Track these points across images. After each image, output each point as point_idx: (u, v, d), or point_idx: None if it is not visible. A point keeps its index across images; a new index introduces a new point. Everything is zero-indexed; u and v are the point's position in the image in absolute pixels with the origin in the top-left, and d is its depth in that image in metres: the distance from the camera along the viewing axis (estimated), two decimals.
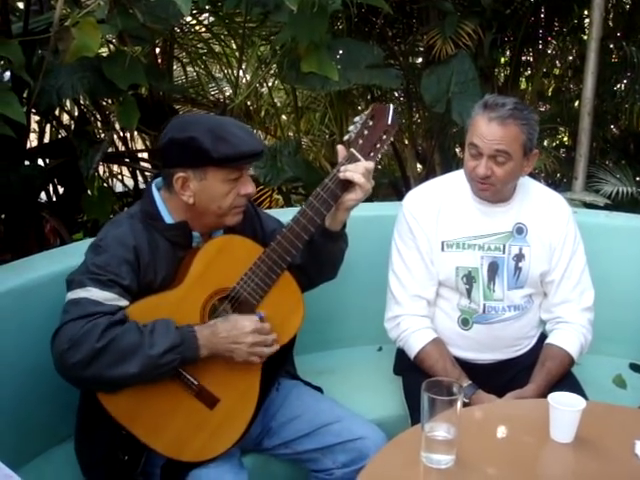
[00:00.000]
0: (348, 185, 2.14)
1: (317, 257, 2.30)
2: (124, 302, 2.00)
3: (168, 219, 2.16)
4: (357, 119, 2.20)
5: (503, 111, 2.32)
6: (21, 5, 3.77)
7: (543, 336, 2.63)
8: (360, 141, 2.17)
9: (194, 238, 2.18)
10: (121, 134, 4.68)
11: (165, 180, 2.15)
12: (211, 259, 2.13)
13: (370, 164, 2.15)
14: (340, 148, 2.20)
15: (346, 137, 2.19)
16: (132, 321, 1.97)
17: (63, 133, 4.47)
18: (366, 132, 2.17)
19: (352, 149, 2.16)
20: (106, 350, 1.89)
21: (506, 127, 2.32)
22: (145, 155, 5.05)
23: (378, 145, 2.18)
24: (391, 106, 2.20)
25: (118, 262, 2.03)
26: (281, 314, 2.19)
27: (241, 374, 2.13)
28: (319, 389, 2.51)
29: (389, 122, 2.18)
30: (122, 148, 4.82)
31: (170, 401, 2.06)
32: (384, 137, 2.19)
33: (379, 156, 2.21)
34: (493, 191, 2.42)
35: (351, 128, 2.19)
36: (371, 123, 2.17)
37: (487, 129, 2.33)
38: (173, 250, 2.15)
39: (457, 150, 5.81)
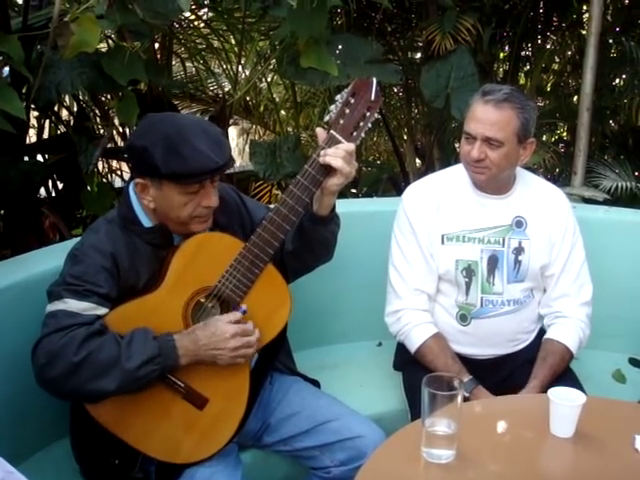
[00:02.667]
0: (330, 169, 2.05)
1: (309, 242, 2.24)
2: (103, 310, 1.99)
3: (146, 222, 2.12)
4: (338, 97, 2.09)
5: (499, 95, 2.34)
6: (20, 0, 3.76)
7: (542, 331, 2.63)
8: (341, 121, 2.06)
9: (174, 238, 2.15)
10: (120, 130, 4.67)
11: None
12: (190, 259, 2.08)
13: (351, 146, 2.05)
14: (319, 131, 2.10)
15: (326, 117, 2.10)
16: (110, 333, 1.95)
17: (62, 129, 4.46)
18: (347, 111, 2.06)
19: (332, 131, 2.06)
20: (84, 364, 1.88)
21: (501, 110, 2.33)
22: None
23: (361, 124, 2.08)
24: (374, 80, 2.09)
25: (95, 271, 2.01)
26: (267, 308, 2.14)
27: (229, 372, 2.10)
28: (316, 382, 2.51)
29: (372, 97, 2.08)
30: (121, 144, 4.81)
31: (158, 405, 2.05)
32: (367, 114, 2.08)
33: (363, 135, 2.11)
34: (488, 176, 2.42)
35: (332, 108, 2.09)
36: (353, 101, 2.07)
37: (482, 111, 2.35)
38: (154, 252, 2.11)
39: (456, 145, 5.80)
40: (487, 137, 2.34)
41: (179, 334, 2.00)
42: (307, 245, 2.25)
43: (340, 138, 2.06)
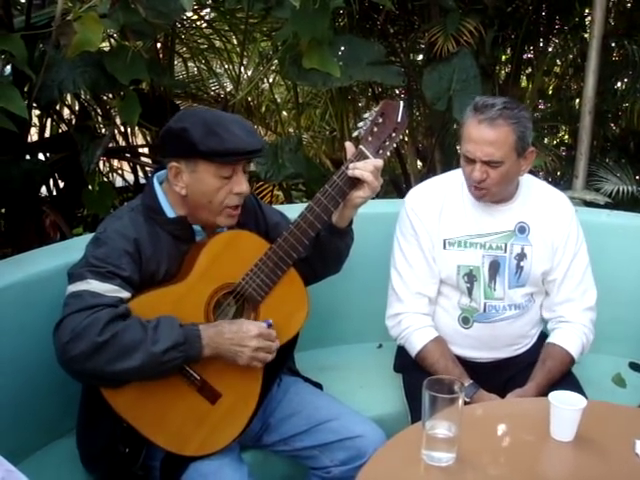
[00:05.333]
0: (356, 182, 2.13)
1: (323, 252, 2.30)
2: (125, 294, 2.00)
3: (170, 213, 2.15)
4: (367, 115, 2.18)
5: (492, 112, 2.30)
6: None
7: (543, 335, 2.63)
8: (369, 138, 2.15)
9: (196, 232, 2.18)
10: (122, 129, 4.68)
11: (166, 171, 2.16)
12: (217, 254, 2.12)
13: (379, 162, 2.13)
14: (348, 145, 2.18)
15: (355, 133, 2.18)
16: (135, 316, 1.96)
17: (64, 128, 4.47)
18: (375, 129, 2.15)
19: (361, 146, 2.14)
20: (108, 345, 1.89)
21: (496, 128, 2.30)
22: (146, 150, 5.05)
23: (387, 143, 2.17)
24: (401, 103, 2.18)
25: (118, 254, 2.03)
26: (285, 311, 2.18)
27: (244, 370, 2.12)
28: (319, 385, 2.51)
29: (399, 120, 2.17)
30: (123, 143, 4.82)
31: (172, 396, 2.06)
32: (393, 135, 2.17)
33: (388, 154, 2.20)
34: (490, 195, 2.42)
35: (360, 124, 2.18)
36: (381, 120, 2.16)
37: (477, 132, 2.32)
38: (175, 243, 2.15)
39: (458, 148, 5.79)
40: (486, 161, 2.32)
41: (204, 325, 2.03)
42: (321, 254, 2.31)
43: (368, 154, 2.14)
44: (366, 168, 2.11)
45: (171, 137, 2.10)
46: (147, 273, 2.09)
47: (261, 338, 2.06)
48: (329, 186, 2.14)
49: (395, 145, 2.21)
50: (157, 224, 2.14)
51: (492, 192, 2.40)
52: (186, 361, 1.99)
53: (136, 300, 2.02)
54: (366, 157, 2.13)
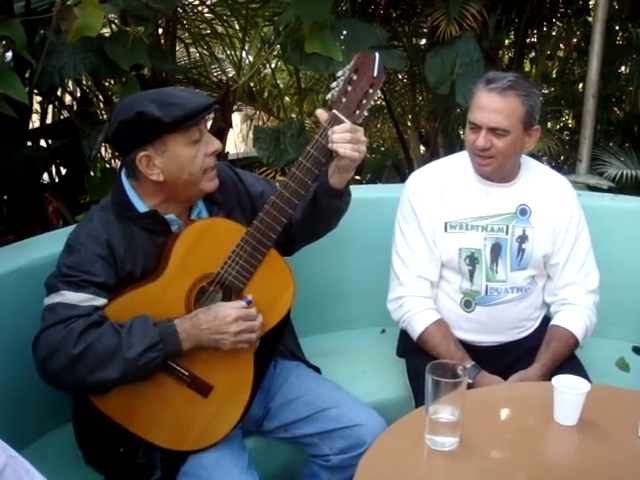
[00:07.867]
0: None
1: (324, 213, 2.23)
2: (101, 301, 1.96)
3: (141, 207, 2.08)
4: (339, 74, 2.04)
5: (503, 82, 2.32)
6: None
7: (546, 319, 2.63)
8: (343, 99, 2.02)
9: (172, 222, 2.11)
10: None
11: (129, 168, 2.07)
12: (192, 245, 2.06)
13: (355, 128, 2.01)
14: (319, 112, 2.06)
15: (328, 96, 2.05)
16: (108, 323, 1.93)
17: (65, 114, 4.46)
18: (350, 88, 2.02)
19: (334, 110, 2.02)
20: (84, 356, 1.87)
21: (506, 97, 2.32)
22: None
23: (364, 101, 2.04)
24: (377, 55, 2.04)
25: (90, 260, 1.98)
26: (271, 294, 2.12)
27: (233, 358, 2.08)
28: (317, 369, 2.50)
29: (375, 74, 2.03)
30: None
31: (163, 394, 2.04)
32: (370, 91, 2.04)
33: (365, 113, 2.06)
34: (495, 166, 2.41)
35: (333, 85, 2.04)
36: (355, 77, 2.03)
37: (487, 100, 2.33)
38: (151, 238, 2.08)
39: (461, 132, 5.79)
40: (492, 128, 2.32)
41: (180, 319, 1.98)
42: (320, 215, 2.24)
43: (343, 117, 2.02)
44: (343, 139, 1.99)
45: (129, 127, 1.99)
46: (123, 273, 2.03)
47: (240, 321, 2.00)
48: (303, 158, 2.03)
49: (373, 103, 2.06)
50: (129, 220, 2.07)
51: (498, 162, 2.39)
52: (166, 359, 1.96)
53: (114, 303, 1.99)
54: (341, 122, 2.01)
